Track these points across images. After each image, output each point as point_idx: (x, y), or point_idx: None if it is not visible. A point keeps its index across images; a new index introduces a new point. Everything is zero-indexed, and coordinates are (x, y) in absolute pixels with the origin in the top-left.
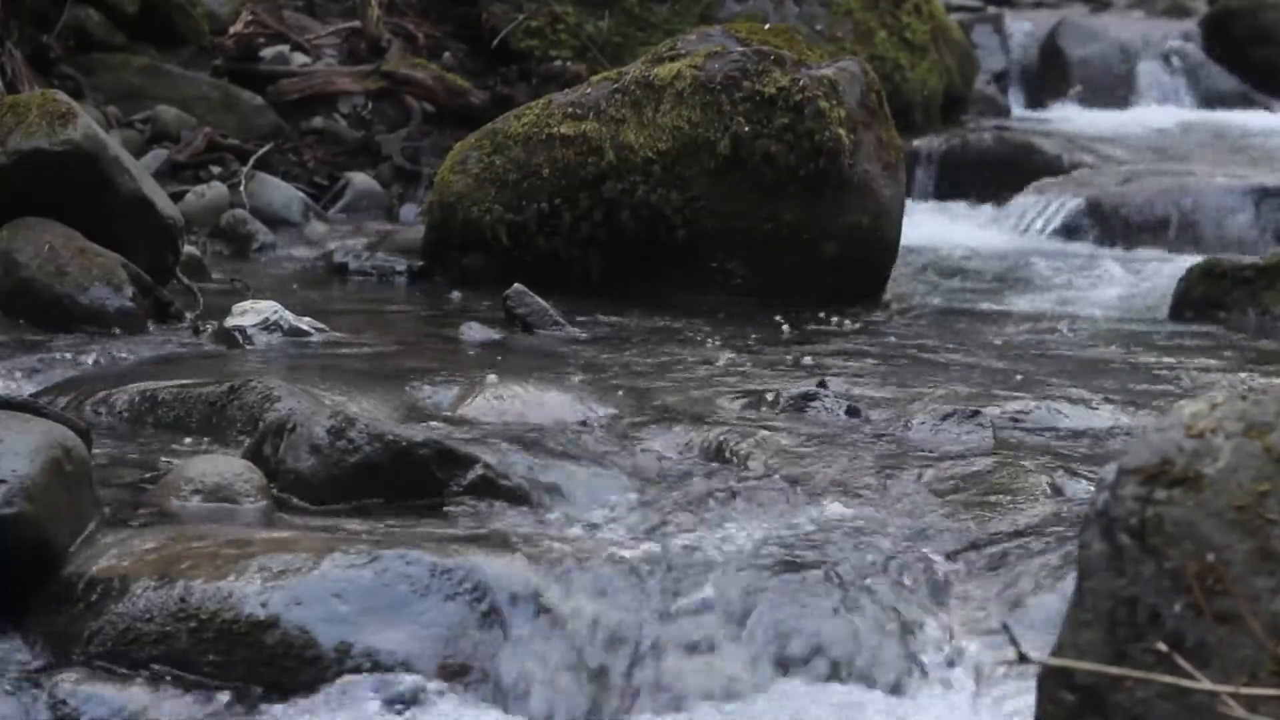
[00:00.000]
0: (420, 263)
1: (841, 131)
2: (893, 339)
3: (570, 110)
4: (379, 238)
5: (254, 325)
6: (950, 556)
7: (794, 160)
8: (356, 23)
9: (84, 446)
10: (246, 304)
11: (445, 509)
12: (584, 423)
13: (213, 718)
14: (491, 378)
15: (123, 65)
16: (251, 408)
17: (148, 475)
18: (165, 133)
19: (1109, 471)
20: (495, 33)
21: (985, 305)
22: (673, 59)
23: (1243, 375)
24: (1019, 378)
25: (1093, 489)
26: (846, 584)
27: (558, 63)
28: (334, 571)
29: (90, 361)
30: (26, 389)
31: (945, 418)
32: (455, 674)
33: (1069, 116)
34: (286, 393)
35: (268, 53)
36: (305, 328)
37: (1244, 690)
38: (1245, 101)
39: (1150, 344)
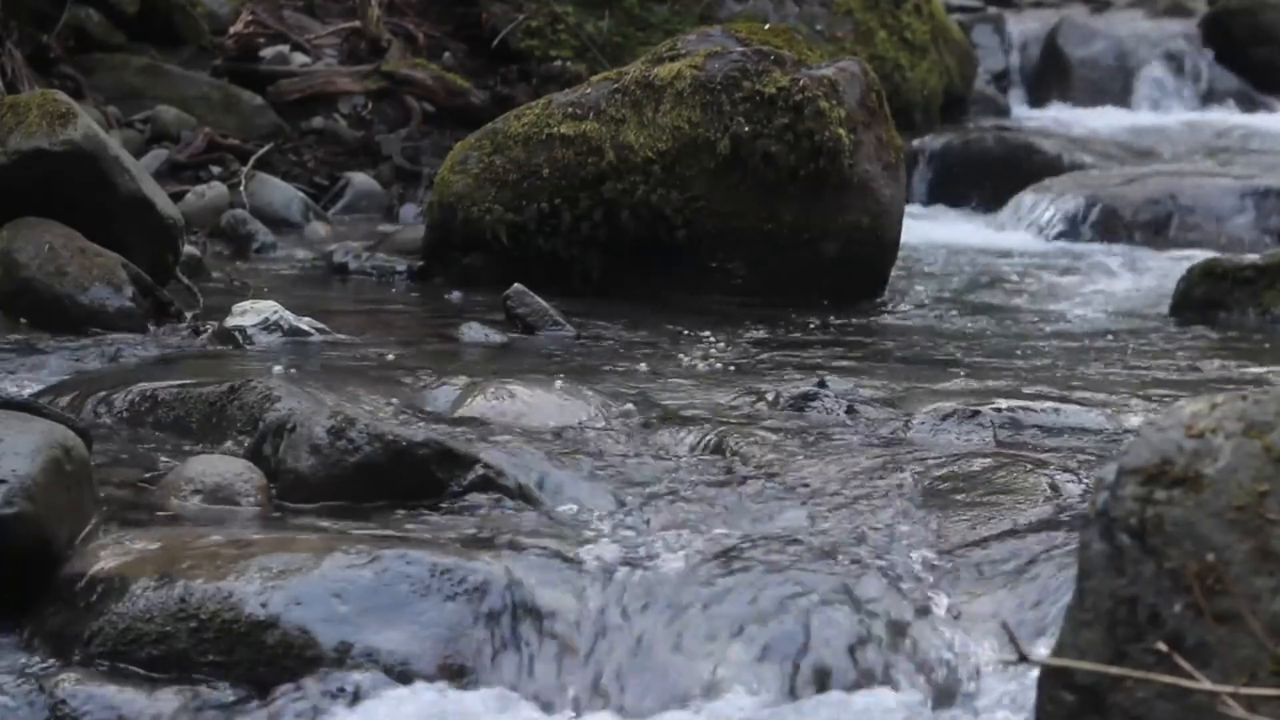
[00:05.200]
0: (420, 263)
1: (841, 131)
2: (893, 339)
3: (570, 110)
4: (379, 238)
5: (254, 325)
6: (950, 556)
7: (794, 160)
8: (356, 23)
9: (84, 446)
10: (246, 304)
11: (445, 509)
12: (584, 423)
13: (213, 718)
14: (491, 378)
15: (123, 65)
16: (251, 408)
17: (148, 475)
18: (165, 133)
19: (1109, 471)
20: (495, 33)
21: (985, 305)
22: (673, 59)
23: (1243, 375)
24: (1019, 378)
25: (1093, 489)
26: (845, 584)
27: (558, 63)
28: (334, 571)
29: (90, 361)
30: (26, 389)
31: (945, 418)
32: (455, 674)
33: (1069, 116)
34: (286, 393)
35: (268, 53)
36: (305, 328)
37: (1244, 690)
38: (1245, 101)
39: (1150, 344)
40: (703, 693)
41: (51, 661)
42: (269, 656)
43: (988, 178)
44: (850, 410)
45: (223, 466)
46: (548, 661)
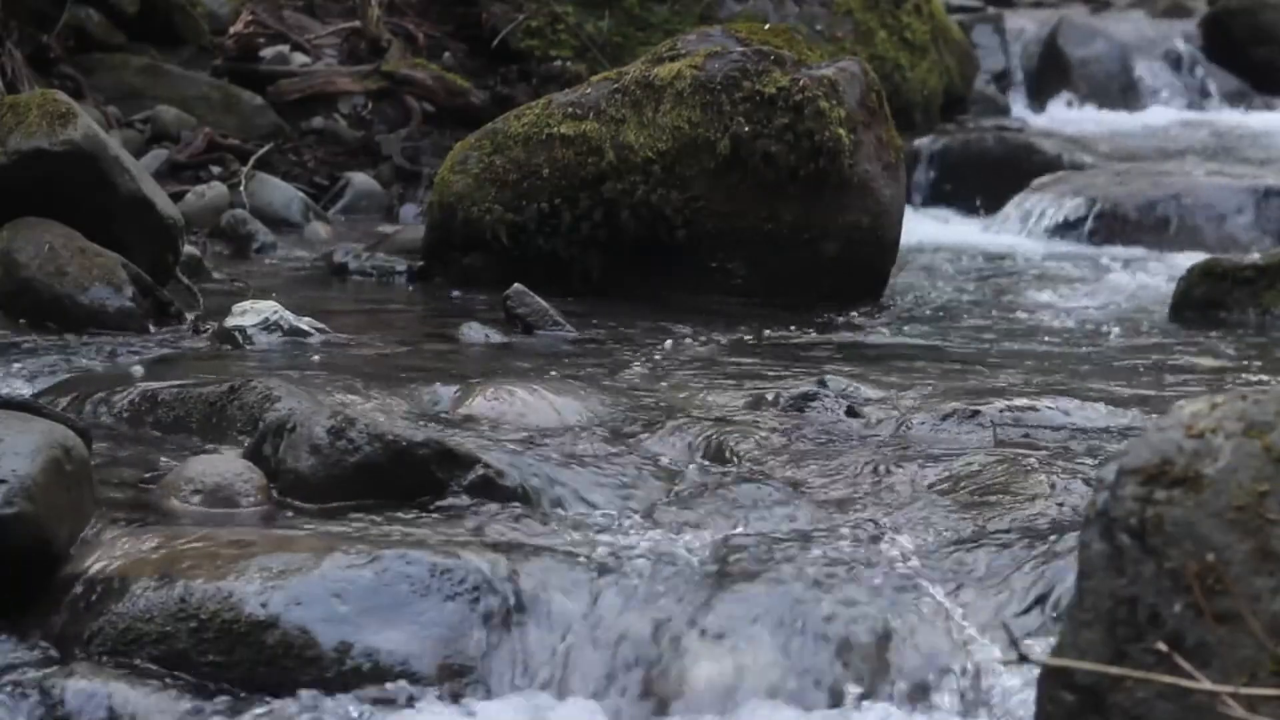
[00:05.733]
0: (420, 263)
1: (841, 131)
2: (893, 339)
3: (570, 110)
4: (379, 238)
5: (254, 325)
6: (950, 556)
7: (794, 160)
8: (356, 23)
9: (84, 446)
10: (246, 304)
11: (445, 509)
12: (584, 423)
13: (213, 718)
14: (491, 378)
15: (123, 65)
16: (251, 408)
17: (148, 475)
18: (165, 133)
19: (1109, 471)
20: (495, 33)
21: (985, 305)
22: (673, 59)
23: (1243, 375)
24: (1019, 378)
25: (1093, 489)
26: (846, 585)
27: (558, 63)
28: (334, 571)
29: (90, 361)
30: (26, 389)
31: (945, 418)
32: (455, 674)
33: (1069, 116)
34: (286, 393)
35: (268, 53)
36: (305, 328)
37: (1244, 690)
38: (1245, 101)
39: (1150, 344)
40: (703, 693)
41: (51, 661)
42: (269, 656)
43: (988, 178)
44: (850, 410)
45: (223, 466)
46: (548, 662)
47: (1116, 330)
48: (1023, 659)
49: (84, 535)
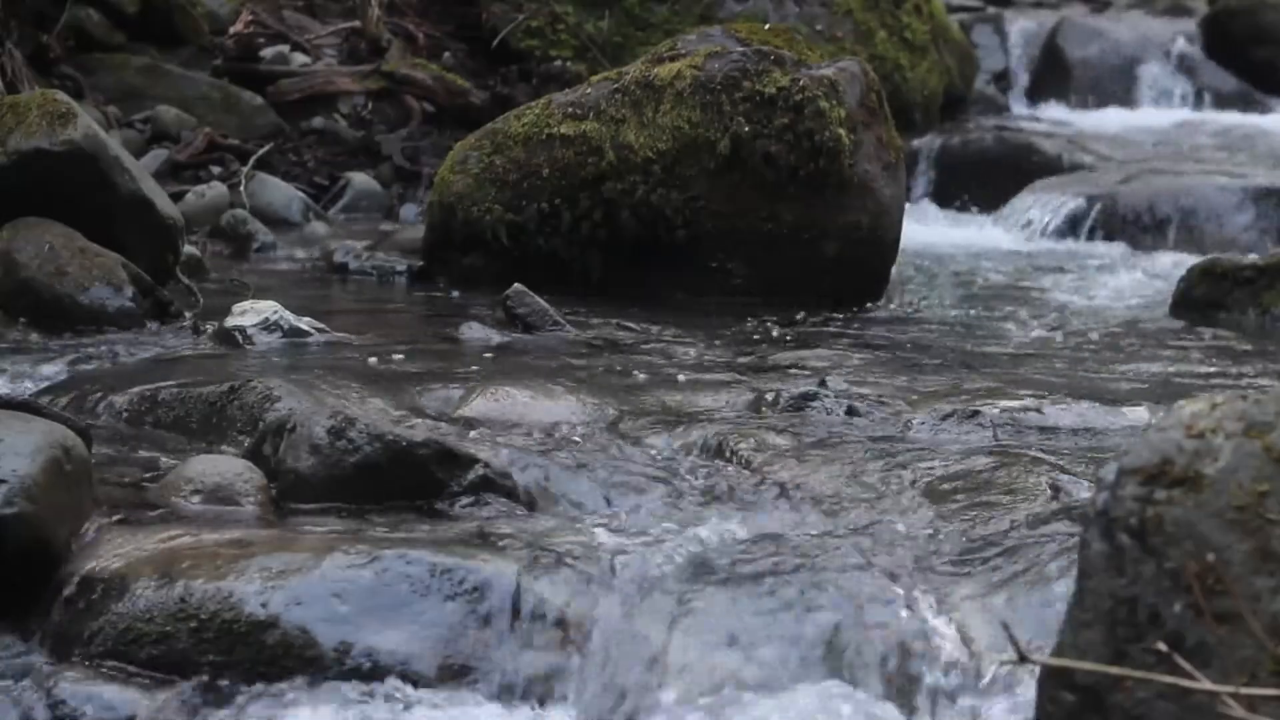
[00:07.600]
0: (420, 263)
1: (841, 131)
2: (893, 339)
3: (570, 110)
4: (379, 238)
5: (254, 325)
6: (950, 556)
7: (794, 160)
8: (356, 23)
9: (84, 446)
10: (246, 304)
11: (445, 509)
12: (584, 422)
13: (212, 718)
14: (491, 378)
15: (123, 65)
16: (251, 408)
17: (148, 475)
18: (165, 133)
19: (1109, 471)
20: (495, 33)
21: (985, 305)
22: (673, 59)
23: (1243, 375)
24: (1019, 378)
25: (1093, 489)
26: (846, 585)
27: (558, 63)
28: (334, 571)
29: (90, 361)
30: (26, 389)
31: (945, 418)
32: (455, 674)
33: (1069, 116)
34: (286, 393)
35: (268, 53)
36: (305, 328)
37: (1244, 690)
38: (1245, 101)
39: (1150, 344)
40: (702, 692)
41: (51, 661)
42: (269, 656)
43: (988, 178)
44: (850, 410)
45: (223, 466)
46: (547, 661)
47: (1116, 330)
48: (1023, 659)
49: (84, 535)
